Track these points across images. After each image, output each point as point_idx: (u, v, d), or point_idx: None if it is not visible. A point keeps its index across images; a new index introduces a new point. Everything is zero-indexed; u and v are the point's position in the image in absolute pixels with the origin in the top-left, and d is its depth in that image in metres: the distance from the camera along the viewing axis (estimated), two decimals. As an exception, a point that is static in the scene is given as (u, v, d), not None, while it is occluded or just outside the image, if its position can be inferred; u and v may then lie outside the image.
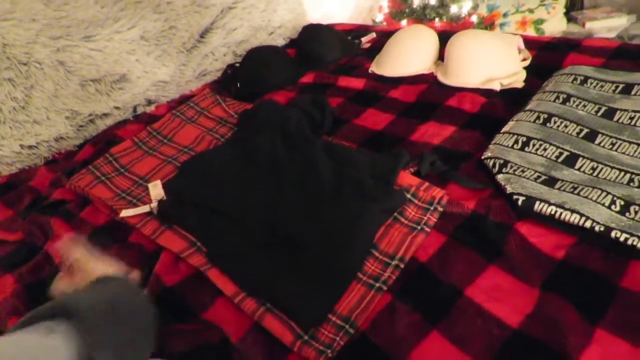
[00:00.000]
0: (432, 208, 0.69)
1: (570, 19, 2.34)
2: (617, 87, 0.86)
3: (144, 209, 0.78)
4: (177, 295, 0.65)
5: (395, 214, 0.69)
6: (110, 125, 1.17)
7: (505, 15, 2.30)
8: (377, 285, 0.60)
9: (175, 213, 0.75)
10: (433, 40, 1.16)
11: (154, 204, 0.77)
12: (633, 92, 0.83)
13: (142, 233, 0.75)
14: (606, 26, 2.22)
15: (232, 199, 0.76)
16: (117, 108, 1.18)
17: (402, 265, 0.62)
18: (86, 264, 0.54)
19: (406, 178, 0.74)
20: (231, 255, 0.66)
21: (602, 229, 0.59)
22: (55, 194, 0.90)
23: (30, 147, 1.05)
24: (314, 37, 1.33)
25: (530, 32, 2.23)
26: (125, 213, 0.77)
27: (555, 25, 2.26)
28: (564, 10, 2.29)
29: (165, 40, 1.25)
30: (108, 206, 0.81)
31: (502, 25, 2.28)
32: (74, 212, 0.83)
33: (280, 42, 1.56)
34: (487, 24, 2.09)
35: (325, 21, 1.56)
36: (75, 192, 0.88)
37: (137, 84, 1.20)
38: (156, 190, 0.83)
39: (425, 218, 0.68)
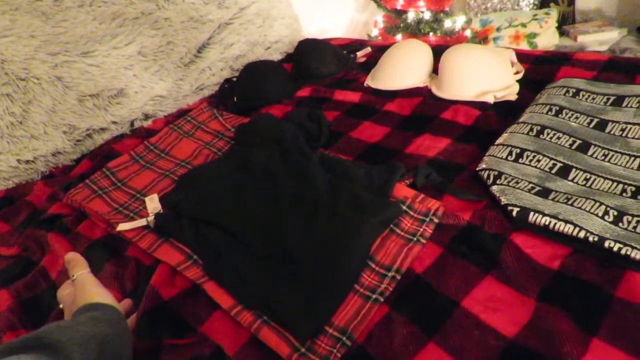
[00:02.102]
0: (427, 220, 0.70)
1: (562, 32, 2.38)
2: (608, 99, 0.87)
3: (141, 222, 0.78)
4: (173, 308, 0.65)
5: (392, 225, 0.69)
6: (108, 139, 1.17)
7: (498, 29, 2.34)
8: (374, 296, 0.60)
9: (172, 226, 0.75)
10: (427, 54, 1.17)
11: (151, 218, 0.77)
12: (624, 104, 0.84)
13: (138, 247, 0.75)
14: (598, 40, 2.25)
15: (229, 212, 0.76)
16: (114, 123, 1.18)
17: (398, 277, 0.63)
18: (85, 285, 0.55)
19: (402, 190, 0.75)
20: (227, 268, 0.66)
21: (595, 239, 0.60)
22: (52, 209, 0.90)
23: (27, 161, 1.05)
24: (309, 51, 1.35)
25: (524, 45, 2.26)
26: (121, 227, 0.78)
27: (548, 39, 2.29)
28: (556, 24, 2.32)
29: (163, 56, 1.27)
30: (105, 220, 0.81)
31: (495, 39, 2.31)
32: (70, 227, 0.83)
33: (276, 56, 1.58)
34: (480, 38, 2.13)
35: (321, 36, 1.58)
36: (72, 207, 0.88)
37: (135, 99, 1.21)
38: (153, 203, 0.83)
39: (421, 229, 0.68)
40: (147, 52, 1.23)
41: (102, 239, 0.80)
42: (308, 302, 0.60)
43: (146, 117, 1.25)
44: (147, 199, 0.85)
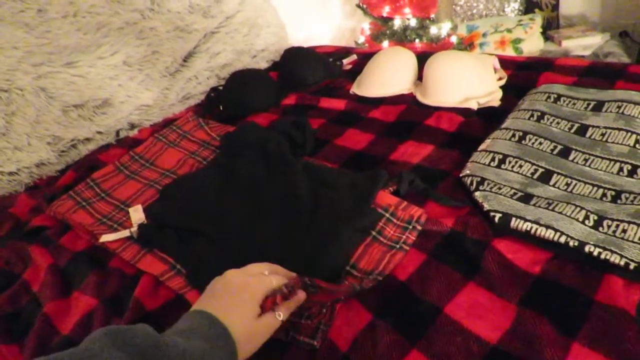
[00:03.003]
0: (410, 227, 0.70)
1: (547, 37, 2.41)
2: (588, 104, 0.88)
3: (124, 233, 0.77)
4: (157, 319, 0.65)
5: (374, 233, 0.70)
6: (93, 150, 1.16)
7: (484, 35, 2.36)
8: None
9: (156, 236, 0.75)
10: (411, 61, 1.18)
11: (134, 228, 0.77)
12: (604, 109, 0.85)
13: (122, 258, 0.74)
14: (581, 44, 2.29)
15: (212, 221, 0.76)
16: (99, 133, 1.18)
17: (380, 278, 0.63)
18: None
19: (385, 197, 0.75)
20: (211, 277, 0.66)
21: (576, 244, 0.60)
22: (35, 221, 0.89)
23: (10, 173, 1.04)
24: (296, 59, 1.35)
25: (509, 51, 2.29)
26: (105, 238, 0.77)
27: (533, 44, 2.33)
28: (541, 29, 2.36)
29: (149, 65, 1.26)
30: (88, 232, 0.81)
31: (481, 45, 2.34)
32: (53, 239, 0.82)
33: (263, 65, 1.59)
34: (466, 44, 2.15)
35: (308, 43, 1.59)
36: (55, 218, 0.88)
37: (120, 109, 1.20)
38: (137, 214, 0.83)
39: (404, 237, 0.69)
40: (132, 62, 1.23)
41: (86, 251, 0.79)
42: None
43: (132, 126, 1.24)
44: (131, 210, 0.84)
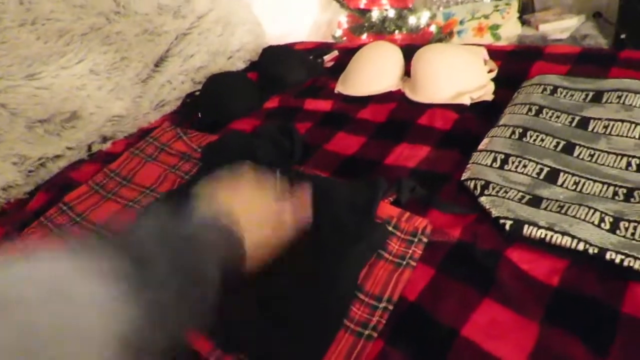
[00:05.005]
0: (416, 240, 0.65)
1: (523, 22, 2.39)
2: (587, 94, 0.84)
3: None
4: None
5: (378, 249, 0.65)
6: (64, 167, 1.08)
7: (461, 22, 2.33)
8: (367, 332, 0.55)
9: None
10: (397, 55, 1.13)
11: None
12: (604, 100, 0.82)
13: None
14: (559, 27, 2.27)
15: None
16: (69, 148, 1.09)
17: (390, 307, 0.58)
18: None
19: (386, 209, 0.70)
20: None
21: (596, 250, 0.57)
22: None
23: (-26, 199, 0.96)
24: (275, 59, 1.29)
25: (487, 37, 2.26)
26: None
27: (511, 29, 2.30)
28: (517, 14, 2.33)
29: (118, 72, 1.18)
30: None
31: (459, 32, 2.30)
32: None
33: (240, 65, 1.51)
34: (445, 33, 2.11)
35: (284, 39, 1.53)
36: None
37: (91, 121, 1.12)
38: (117, 240, 0.76)
39: (410, 251, 0.64)
40: (100, 70, 1.15)
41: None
42: (294, 346, 0.55)
43: (104, 139, 1.17)
44: (110, 236, 0.78)
